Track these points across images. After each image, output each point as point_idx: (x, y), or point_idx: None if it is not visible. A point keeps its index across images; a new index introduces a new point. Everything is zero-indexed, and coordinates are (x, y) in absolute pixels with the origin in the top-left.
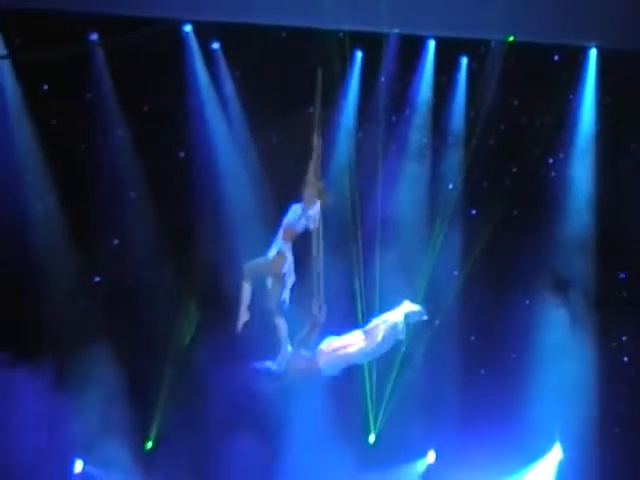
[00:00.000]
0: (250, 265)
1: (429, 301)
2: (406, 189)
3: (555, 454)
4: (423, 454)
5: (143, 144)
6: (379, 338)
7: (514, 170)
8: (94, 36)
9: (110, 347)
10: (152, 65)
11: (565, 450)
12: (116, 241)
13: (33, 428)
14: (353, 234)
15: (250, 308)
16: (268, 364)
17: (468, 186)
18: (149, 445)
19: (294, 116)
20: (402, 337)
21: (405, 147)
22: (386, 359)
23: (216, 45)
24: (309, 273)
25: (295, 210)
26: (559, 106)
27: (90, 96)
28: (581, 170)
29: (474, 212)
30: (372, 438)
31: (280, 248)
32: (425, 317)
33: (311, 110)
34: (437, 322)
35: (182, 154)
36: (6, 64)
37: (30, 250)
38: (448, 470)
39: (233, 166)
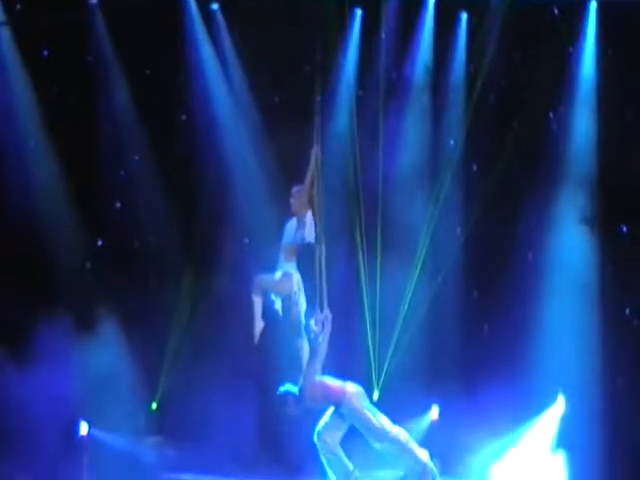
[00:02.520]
0: (259, 280)
1: (432, 258)
2: (407, 146)
3: (558, 407)
4: (427, 410)
5: (145, 107)
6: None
7: (515, 125)
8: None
9: (115, 310)
10: (152, 28)
11: (568, 403)
12: (119, 204)
13: (39, 391)
14: (354, 192)
15: (263, 317)
16: (289, 388)
17: (469, 142)
18: (154, 406)
19: (295, 75)
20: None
21: (406, 104)
22: (389, 314)
23: (215, 6)
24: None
25: (289, 227)
26: (559, 60)
27: (91, 60)
28: (582, 123)
29: (475, 168)
30: (376, 395)
31: (285, 270)
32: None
33: (308, 69)
34: (440, 279)
35: (184, 117)
36: (6, 30)
37: (34, 215)
38: (452, 426)
39: (235, 128)
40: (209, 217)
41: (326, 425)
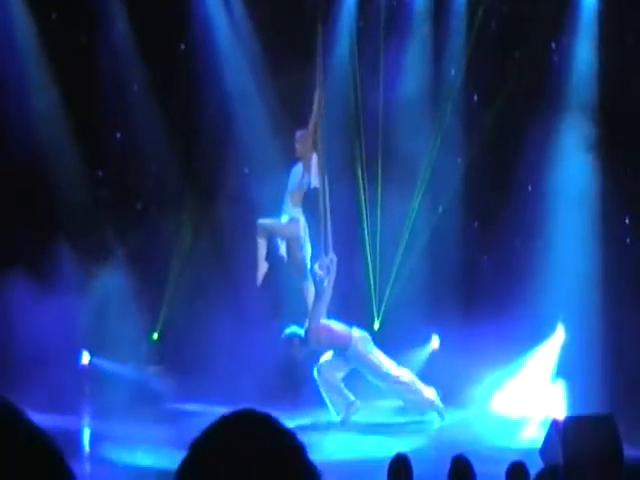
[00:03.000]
0: (264, 224)
1: (432, 189)
2: (408, 77)
3: (558, 336)
4: (427, 340)
5: (144, 37)
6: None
7: (517, 55)
8: None
9: (117, 241)
10: None
11: (568, 332)
12: (119, 135)
13: (41, 320)
14: (355, 125)
15: (268, 260)
16: (295, 330)
17: (470, 72)
18: (155, 336)
19: (295, 7)
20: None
21: (407, 34)
22: (389, 245)
23: None
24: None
25: (295, 173)
26: None
27: None
28: (584, 53)
29: (476, 98)
30: (377, 325)
31: (291, 215)
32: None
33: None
34: (440, 209)
35: (182, 46)
36: None
37: (34, 145)
38: (452, 355)
39: (235, 58)
40: (209, 148)
41: (327, 363)
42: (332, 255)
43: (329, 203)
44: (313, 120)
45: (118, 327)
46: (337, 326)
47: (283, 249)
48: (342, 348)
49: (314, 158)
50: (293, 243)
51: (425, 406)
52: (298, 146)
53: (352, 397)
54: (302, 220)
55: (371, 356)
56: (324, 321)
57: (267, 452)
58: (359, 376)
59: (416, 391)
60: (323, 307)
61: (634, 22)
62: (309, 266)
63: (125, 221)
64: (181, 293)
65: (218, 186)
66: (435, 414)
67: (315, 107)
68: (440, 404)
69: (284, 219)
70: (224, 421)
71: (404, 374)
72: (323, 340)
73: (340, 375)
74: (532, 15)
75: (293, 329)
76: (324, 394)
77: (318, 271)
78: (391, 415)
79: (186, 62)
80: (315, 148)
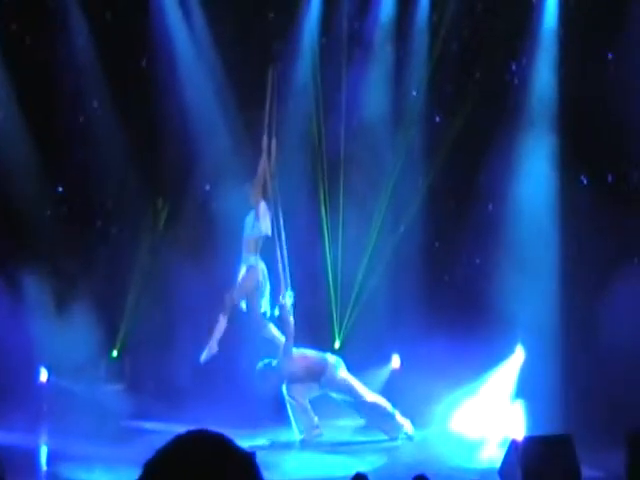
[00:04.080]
0: (229, 297)
1: (393, 208)
2: (370, 96)
3: (518, 357)
4: (388, 359)
5: (105, 52)
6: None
7: (477, 75)
8: None
9: (76, 257)
10: None
11: (527, 352)
12: (79, 151)
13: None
14: (317, 141)
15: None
16: (267, 361)
17: (432, 92)
18: (114, 354)
19: (257, 23)
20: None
21: (369, 53)
22: (351, 264)
23: None
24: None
25: (248, 221)
26: (522, 10)
27: (51, 4)
28: (544, 73)
29: (438, 119)
30: (337, 344)
31: (248, 263)
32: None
33: (271, 16)
34: (402, 229)
35: (144, 62)
36: None
37: None
38: (412, 375)
39: (196, 74)
40: (170, 164)
41: (297, 385)
42: (290, 293)
43: (285, 247)
44: (262, 167)
45: (77, 344)
46: (311, 354)
47: (243, 304)
48: (318, 375)
49: (262, 206)
50: (253, 293)
51: (397, 431)
52: (250, 194)
53: (316, 420)
54: (260, 266)
55: (346, 382)
56: (297, 351)
57: (219, 473)
58: (322, 396)
59: (389, 415)
60: (291, 340)
61: (593, 42)
62: (268, 311)
63: (85, 238)
64: (141, 311)
65: (179, 203)
66: (405, 437)
67: (264, 155)
68: (411, 430)
69: (242, 270)
70: (177, 441)
71: (377, 399)
72: (299, 371)
73: (309, 396)
74: (492, 36)
75: (266, 362)
76: (290, 411)
77: (282, 301)
78: (351, 434)
79: (147, 78)
80: (265, 195)
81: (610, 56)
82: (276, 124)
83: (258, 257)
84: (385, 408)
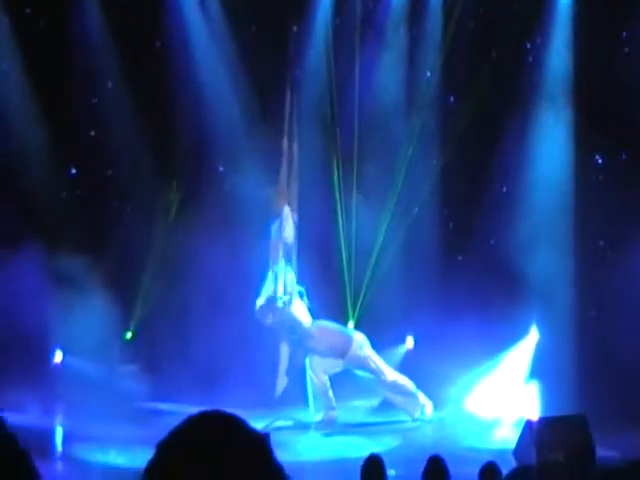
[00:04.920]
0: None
1: (408, 190)
2: (384, 76)
3: (532, 338)
4: (402, 340)
5: (120, 33)
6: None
7: (493, 55)
8: None
9: (90, 238)
10: None
11: (542, 333)
12: (93, 132)
13: (14, 318)
14: (330, 123)
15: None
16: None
17: (446, 73)
18: (129, 335)
19: (271, 4)
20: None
21: (383, 34)
22: (365, 246)
23: None
24: None
25: (273, 228)
26: None
27: None
28: (559, 54)
29: (452, 99)
30: (351, 325)
31: (274, 271)
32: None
33: None
34: (416, 209)
35: (158, 44)
36: None
37: (7, 143)
38: (427, 356)
39: (210, 55)
40: (183, 146)
41: (320, 359)
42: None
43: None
44: (283, 172)
45: (92, 326)
46: (337, 329)
47: (270, 318)
48: (342, 351)
49: (286, 210)
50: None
51: (419, 411)
52: (273, 201)
53: (334, 402)
54: (288, 274)
55: (370, 359)
56: (322, 326)
57: (232, 453)
58: (340, 375)
59: (412, 395)
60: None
61: (607, 22)
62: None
63: (99, 219)
64: (155, 292)
65: (193, 184)
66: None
67: (284, 160)
68: (430, 412)
69: (270, 275)
70: (190, 422)
71: (401, 378)
72: (323, 346)
73: (331, 372)
74: (507, 16)
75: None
76: (309, 388)
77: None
78: (366, 415)
79: (161, 59)
80: (288, 200)
81: (624, 34)
82: (297, 130)
83: (284, 264)
84: (408, 387)
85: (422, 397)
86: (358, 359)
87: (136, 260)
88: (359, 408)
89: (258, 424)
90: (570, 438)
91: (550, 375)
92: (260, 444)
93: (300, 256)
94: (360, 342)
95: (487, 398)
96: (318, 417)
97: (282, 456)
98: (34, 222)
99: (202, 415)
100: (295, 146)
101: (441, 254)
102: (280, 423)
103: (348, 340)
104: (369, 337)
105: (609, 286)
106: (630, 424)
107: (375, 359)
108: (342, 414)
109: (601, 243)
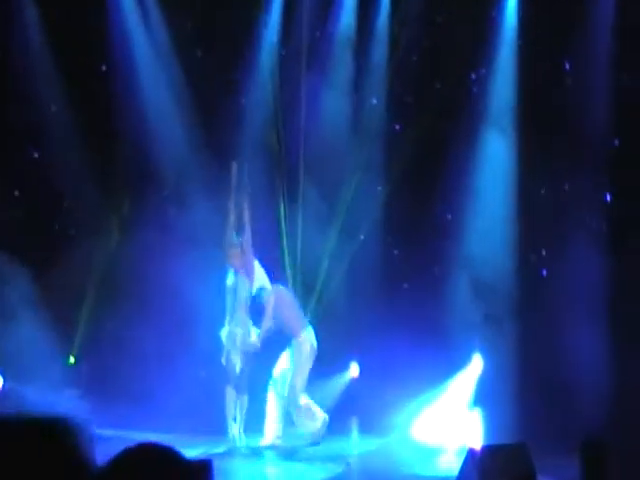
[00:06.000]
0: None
1: (353, 216)
2: (329, 104)
3: (475, 365)
4: (346, 367)
5: (64, 56)
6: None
7: (437, 86)
8: None
9: (32, 261)
10: None
11: (485, 361)
12: (36, 154)
13: None
14: (276, 151)
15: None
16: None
17: (392, 101)
18: (71, 359)
19: (219, 29)
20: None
21: (329, 63)
22: (309, 273)
23: None
24: None
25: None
26: (482, 23)
27: (5, 8)
28: (503, 85)
29: (398, 127)
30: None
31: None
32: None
33: (230, 24)
34: (361, 237)
35: (104, 67)
36: None
37: None
38: (371, 383)
39: (155, 79)
40: (128, 169)
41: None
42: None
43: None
44: (232, 201)
45: (32, 349)
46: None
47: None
48: (292, 333)
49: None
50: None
51: (313, 435)
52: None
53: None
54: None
55: (307, 363)
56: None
57: None
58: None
59: (316, 419)
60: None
61: (551, 51)
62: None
63: (41, 241)
64: (98, 316)
65: (137, 206)
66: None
67: (232, 187)
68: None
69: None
70: (125, 455)
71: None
72: (282, 313)
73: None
74: (452, 47)
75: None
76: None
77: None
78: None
79: (107, 83)
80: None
81: (567, 66)
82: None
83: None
84: (316, 412)
85: (321, 425)
86: (301, 353)
87: (79, 283)
88: (301, 434)
89: (200, 450)
90: (512, 466)
91: (493, 403)
92: (196, 476)
93: None
94: (311, 338)
95: (431, 425)
96: (263, 442)
97: None
98: None
99: (138, 447)
100: (243, 173)
101: (386, 281)
102: (223, 449)
103: (303, 323)
104: (313, 364)
105: (550, 313)
106: (571, 452)
107: (305, 370)
108: (285, 440)
109: (544, 272)
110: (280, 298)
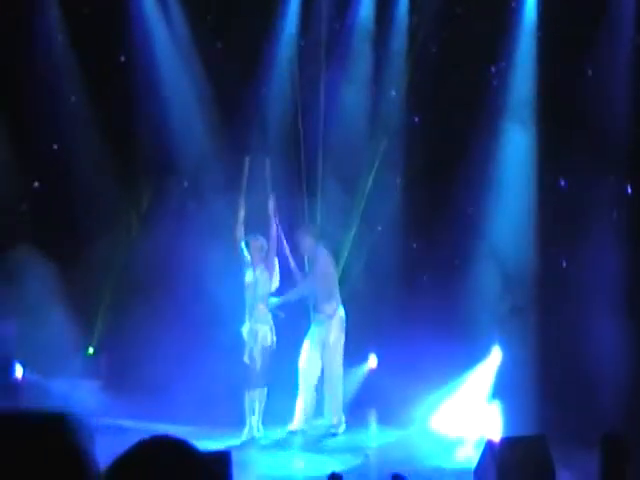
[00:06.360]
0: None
1: (372, 208)
2: (349, 96)
3: (495, 357)
4: (365, 359)
5: (83, 48)
6: None
7: (456, 77)
8: None
9: (51, 253)
10: None
11: (504, 354)
12: (55, 146)
13: None
14: (295, 142)
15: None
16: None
17: (411, 93)
18: (90, 350)
19: (238, 21)
20: None
21: (348, 54)
22: None
23: None
24: None
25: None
26: (502, 14)
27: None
28: (523, 78)
29: (417, 119)
30: None
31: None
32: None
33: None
34: (379, 229)
35: (123, 58)
36: None
37: None
38: (390, 374)
39: (175, 71)
40: (148, 161)
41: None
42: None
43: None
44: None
45: (53, 340)
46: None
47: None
48: (328, 304)
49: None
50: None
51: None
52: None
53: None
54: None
55: (342, 340)
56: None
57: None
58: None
59: (338, 410)
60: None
61: (571, 43)
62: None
63: (60, 232)
64: (118, 308)
65: (156, 198)
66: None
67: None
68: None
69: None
70: (138, 448)
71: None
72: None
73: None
74: (471, 39)
75: None
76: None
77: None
78: (328, 432)
79: (126, 74)
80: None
81: (587, 58)
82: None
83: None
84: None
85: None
86: (339, 329)
87: (98, 275)
88: (320, 425)
89: (219, 443)
90: (530, 458)
91: (512, 395)
92: (208, 470)
93: None
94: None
95: (451, 417)
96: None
97: (243, 476)
98: None
99: (151, 440)
100: (268, 162)
101: (405, 273)
102: (241, 440)
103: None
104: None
105: (572, 304)
106: (590, 445)
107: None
108: (303, 432)
109: (564, 264)
110: (328, 260)
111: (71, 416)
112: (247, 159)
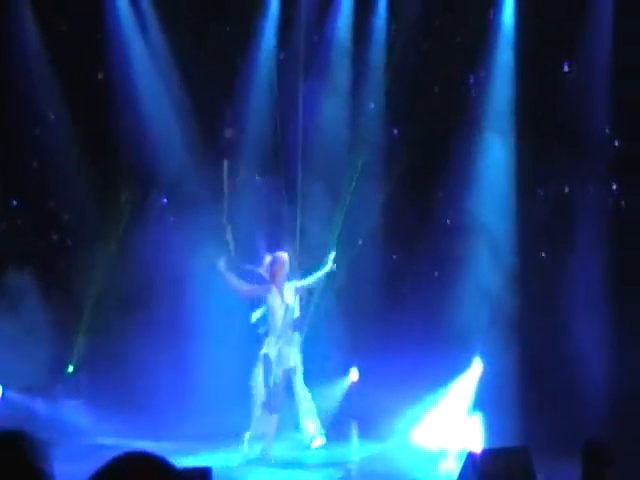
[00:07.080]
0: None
1: (352, 221)
2: (328, 109)
3: (475, 370)
4: (346, 372)
5: (61, 65)
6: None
7: (435, 89)
8: None
9: (31, 270)
10: None
11: (485, 366)
12: (35, 163)
13: None
14: (275, 155)
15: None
16: None
17: (390, 105)
18: (70, 369)
19: (216, 34)
20: None
21: (327, 67)
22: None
23: None
24: None
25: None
26: (480, 25)
27: (6, 16)
28: (501, 87)
29: (396, 131)
30: None
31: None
32: None
33: (228, 30)
34: (360, 242)
35: (100, 75)
36: None
37: None
38: (371, 387)
39: (154, 85)
40: (127, 177)
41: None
42: None
43: None
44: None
45: (32, 359)
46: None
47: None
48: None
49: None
50: None
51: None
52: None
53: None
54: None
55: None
56: None
57: None
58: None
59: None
60: None
61: (549, 53)
62: None
63: (40, 251)
64: (98, 325)
65: (135, 216)
66: None
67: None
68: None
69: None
70: (112, 464)
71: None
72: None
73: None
74: (450, 50)
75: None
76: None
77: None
78: (309, 447)
79: (104, 91)
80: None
81: (566, 67)
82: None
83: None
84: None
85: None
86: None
87: (78, 293)
88: (301, 440)
89: (204, 459)
90: (512, 470)
91: (493, 406)
92: None
93: None
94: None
95: (432, 430)
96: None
97: None
98: None
99: (126, 456)
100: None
101: (386, 286)
102: (222, 456)
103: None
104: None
105: (552, 316)
106: (572, 455)
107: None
108: (284, 447)
109: (545, 275)
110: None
111: (23, 434)
112: (225, 163)
